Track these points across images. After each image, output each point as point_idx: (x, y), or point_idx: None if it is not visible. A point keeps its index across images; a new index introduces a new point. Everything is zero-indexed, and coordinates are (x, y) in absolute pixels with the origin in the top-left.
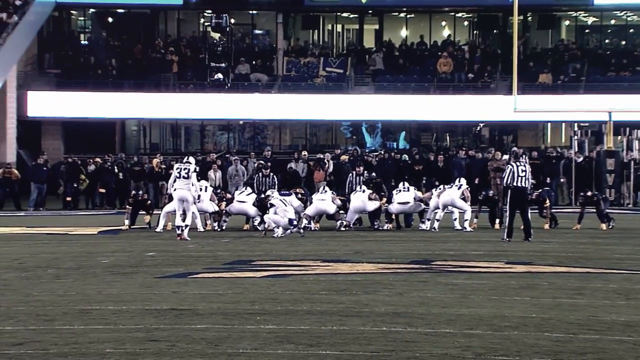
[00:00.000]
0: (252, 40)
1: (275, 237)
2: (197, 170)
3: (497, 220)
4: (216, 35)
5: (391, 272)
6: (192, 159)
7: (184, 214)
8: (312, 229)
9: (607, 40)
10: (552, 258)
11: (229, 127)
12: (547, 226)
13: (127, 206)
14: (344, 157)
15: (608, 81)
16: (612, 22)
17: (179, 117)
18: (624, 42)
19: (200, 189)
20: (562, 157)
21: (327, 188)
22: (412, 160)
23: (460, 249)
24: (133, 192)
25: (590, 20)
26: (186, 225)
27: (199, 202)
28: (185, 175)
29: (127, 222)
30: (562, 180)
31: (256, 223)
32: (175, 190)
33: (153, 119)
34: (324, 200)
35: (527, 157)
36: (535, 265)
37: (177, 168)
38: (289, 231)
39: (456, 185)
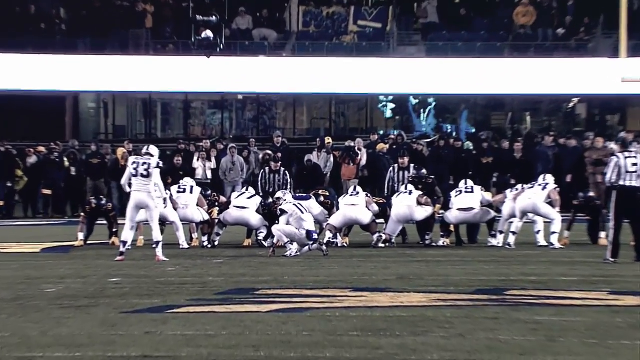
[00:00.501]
0: None
1: (288, 256)
2: (162, 165)
3: (604, 235)
4: None
5: (448, 306)
6: (154, 149)
7: (155, 225)
8: (339, 244)
9: None
10: None
11: (223, 104)
12: None
13: (82, 214)
14: (383, 146)
15: None
16: None
17: (153, 90)
18: None
19: (183, 190)
20: None
21: (359, 188)
22: (478, 150)
23: (545, 273)
24: (92, 199)
25: None
26: (157, 242)
27: (165, 207)
28: (144, 173)
29: (81, 235)
30: None
31: (261, 237)
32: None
33: (118, 93)
34: (356, 206)
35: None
36: None
37: (134, 162)
38: (306, 248)
39: (540, 185)
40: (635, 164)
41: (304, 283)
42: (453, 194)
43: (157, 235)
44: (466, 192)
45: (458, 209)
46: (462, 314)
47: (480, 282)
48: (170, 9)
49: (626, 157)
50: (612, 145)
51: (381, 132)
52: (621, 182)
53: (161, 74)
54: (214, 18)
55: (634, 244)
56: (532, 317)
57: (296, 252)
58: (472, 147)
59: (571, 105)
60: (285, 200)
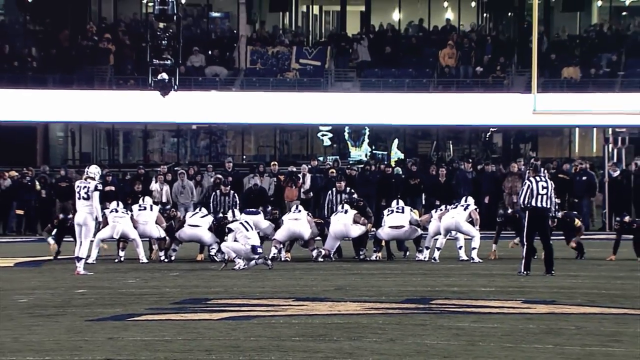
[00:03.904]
0: (207, 24)
1: (237, 269)
2: (100, 188)
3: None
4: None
5: (381, 313)
6: (94, 170)
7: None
8: (282, 259)
9: None
10: (581, 296)
11: (179, 133)
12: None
13: (50, 225)
14: (333, 171)
15: None
16: None
17: (116, 121)
18: None
19: (144, 208)
20: (586, 172)
21: (301, 207)
22: (407, 174)
23: (467, 284)
24: (61, 215)
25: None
26: (79, 258)
27: (99, 228)
28: (85, 196)
29: (51, 240)
30: (593, 200)
31: (213, 252)
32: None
33: (84, 123)
34: (298, 220)
35: (547, 171)
36: (560, 305)
37: (77, 186)
38: (253, 262)
39: (462, 205)
40: (545, 187)
41: (251, 293)
42: (385, 212)
43: (82, 251)
44: (397, 211)
45: (389, 227)
46: (393, 321)
47: (409, 292)
48: (131, 48)
49: (537, 181)
50: (525, 170)
51: (320, 158)
52: (533, 203)
53: (123, 107)
54: (169, 62)
55: (544, 258)
56: (455, 323)
57: (244, 266)
58: (401, 172)
59: (489, 134)
60: (234, 218)
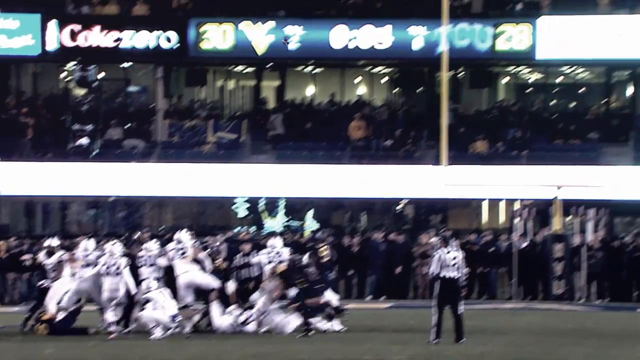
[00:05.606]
0: (125, 98)
1: (153, 339)
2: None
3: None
4: (81, 92)
5: None
6: (185, 235)
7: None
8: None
9: (553, 102)
10: None
11: (97, 205)
12: None
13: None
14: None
15: (555, 150)
16: (559, 80)
17: (34, 193)
18: (573, 104)
19: None
20: (494, 243)
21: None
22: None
23: (381, 351)
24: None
25: (533, 77)
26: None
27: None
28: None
29: None
30: (501, 270)
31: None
32: None
33: (2, 196)
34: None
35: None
36: None
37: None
38: (170, 330)
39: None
40: (454, 258)
41: None
42: None
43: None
44: None
45: None
46: None
47: (325, 359)
48: (49, 121)
49: (447, 252)
50: (432, 240)
51: (236, 230)
52: (443, 274)
53: (41, 179)
54: (89, 127)
55: (454, 327)
56: None
57: (161, 335)
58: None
59: (400, 206)
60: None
